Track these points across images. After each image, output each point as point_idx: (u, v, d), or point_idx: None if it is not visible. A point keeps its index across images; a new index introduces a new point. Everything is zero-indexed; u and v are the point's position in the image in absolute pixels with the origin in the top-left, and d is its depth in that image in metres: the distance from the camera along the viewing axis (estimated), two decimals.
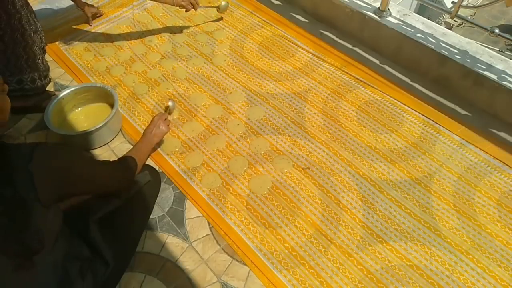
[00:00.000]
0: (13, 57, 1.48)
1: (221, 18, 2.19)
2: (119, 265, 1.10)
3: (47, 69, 1.66)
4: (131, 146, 1.58)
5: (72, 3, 2.04)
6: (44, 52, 1.66)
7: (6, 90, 0.89)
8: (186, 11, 1.92)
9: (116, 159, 1.23)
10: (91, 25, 2.12)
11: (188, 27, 2.14)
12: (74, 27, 2.12)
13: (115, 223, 1.10)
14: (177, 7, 1.91)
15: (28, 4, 1.55)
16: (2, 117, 0.88)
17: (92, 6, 2.13)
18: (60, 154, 0.88)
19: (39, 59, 1.56)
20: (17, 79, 1.53)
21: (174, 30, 2.12)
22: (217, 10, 2.18)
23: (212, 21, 2.17)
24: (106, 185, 1.06)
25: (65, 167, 0.88)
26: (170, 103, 1.51)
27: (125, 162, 1.19)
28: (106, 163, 1.17)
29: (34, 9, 1.62)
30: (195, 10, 1.97)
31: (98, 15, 2.17)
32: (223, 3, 2.16)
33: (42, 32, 1.65)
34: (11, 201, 0.76)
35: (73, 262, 0.92)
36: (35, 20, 1.61)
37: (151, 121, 1.46)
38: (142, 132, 1.62)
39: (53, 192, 0.84)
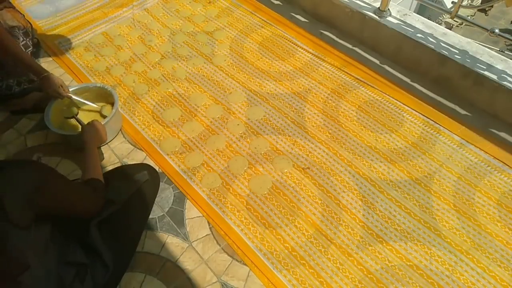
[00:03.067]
0: None
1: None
2: (119, 266, 1.10)
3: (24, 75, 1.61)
4: (131, 146, 1.58)
5: (72, 3, 2.01)
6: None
7: None
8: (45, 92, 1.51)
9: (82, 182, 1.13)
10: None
11: (188, 27, 2.14)
12: (74, 27, 2.12)
13: (114, 225, 1.09)
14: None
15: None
16: None
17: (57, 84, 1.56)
18: (29, 174, 0.83)
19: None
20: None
21: (174, 30, 2.12)
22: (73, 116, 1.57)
23: None
24: (76, 205, 0.99)
25: (34, 186, 0.83)
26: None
27: (92, 183, 1.10)
28: (76, 183, 1.09)
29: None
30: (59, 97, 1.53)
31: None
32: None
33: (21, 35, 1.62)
34: None
35: (68, 268, 0.91)
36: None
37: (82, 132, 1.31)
38: (142, 133, 1.63)
39: (26, 214, 0.80)
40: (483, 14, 11.02)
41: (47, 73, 1.46)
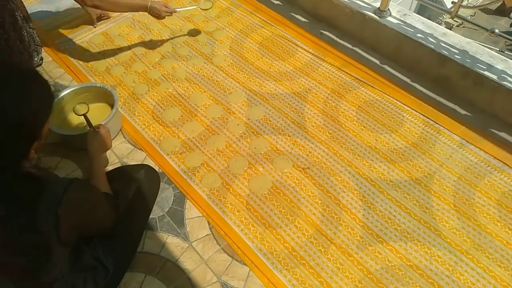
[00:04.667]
0: None
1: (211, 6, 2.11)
2: (120, 267, 1.10)
3: None
4: (131, 146, 1.58)
5: (73, 3, 2.03)
6: (31, 60, 1.65)
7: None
8: (158, 18, 1.82)
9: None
10: (95, 27, 2.11)
11: (188, 27, 2.14)
12: (74, 27, 2.12)
13: (115, 227, 1.09)
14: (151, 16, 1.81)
15: (13, 10, 1.51)
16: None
17: None
18: (86, 198, 0.89)
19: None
20: None
21: (174, 30, 2.12)
22: (200, 8, 2.08)
23: (202, 9, 2.10)
24: (101, 226, 1.03)
25: (88, 211, 0.89)
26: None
27: (109, 200, 1.10)
28: (107, 207, 1.07)
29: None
30: (170, 15, 1.84)
31: (104, 17, 2.16)
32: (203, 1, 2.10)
33: (31, 40, 1.63)
34: (35, 245, 0.77)
35: (79, 275, 0.93)
36: (24, 25, 1.58)
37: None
38: (142, 133, 1.63)
39: (74, 234, 0.85)
40: (484, 14, 11.00)
41: (150, 2, 1.74)
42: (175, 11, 1.86)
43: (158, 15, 1.79)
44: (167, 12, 1.81)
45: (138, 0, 1.75)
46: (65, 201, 0.79)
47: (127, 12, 1.80)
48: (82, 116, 1.30)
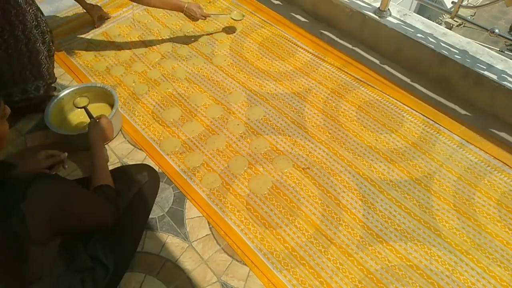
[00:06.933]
0: (18, 67, 1.49)
1: (233, 30, 2.12)
2: (120, 267, 1.09)
3: (52, 77, 1.65)
4: (131, 146, 1.58)
5: (73, 3, 2.03)
6: (52, 62, 1.66)
7: (7, 115, 0.83)
8: (193, 20, 1.92)
9: (93, 190, 1.08)
10: (95, 27, 2.11)
11: (188, 27, 2.14)
12: (74, 27, 2.12)
13: (115, 227, 1.09)
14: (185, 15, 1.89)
15: (36, 14, 1.52)
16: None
17: (99, 7, 2.10)
18: (54, 192, 0.82)
19: (44, 68, 1.57)
20: (21, 88, 1.53)
21: (174, 30, 2.12)
22: (232, 18, 2.15)
23: (225, 33, 2.12)
24: (93, 222, 0.99)
25: (58, 205, 0.82)
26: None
27: (105, 193, 1.08)
28: (95, 199, 1.03)
29: None
30: (204, 19, 1.96)
31: (105, 18, 2.16)
32: (235, 12, 2.17)
33: (50, 41, 1.63)
34: (9, 235, 0.73)
35: (75, 274, 0.92)
36: (45, 28, 1.58)
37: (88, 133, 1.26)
38: (142, 133, 1.63)
39: (47, 232, 0.81)
40: (484, 14, 10.99)
41: (187, 4, 1.82)
42: (209, 16, 1.97)
43: (193, 17, 1.87)
44: (202, 15, 1.90)
45: (176, 0, 1.84)
46: (28, 196, 0.75)
47: (164, 8, 1.89)
48: (82, 115, 1.30)
